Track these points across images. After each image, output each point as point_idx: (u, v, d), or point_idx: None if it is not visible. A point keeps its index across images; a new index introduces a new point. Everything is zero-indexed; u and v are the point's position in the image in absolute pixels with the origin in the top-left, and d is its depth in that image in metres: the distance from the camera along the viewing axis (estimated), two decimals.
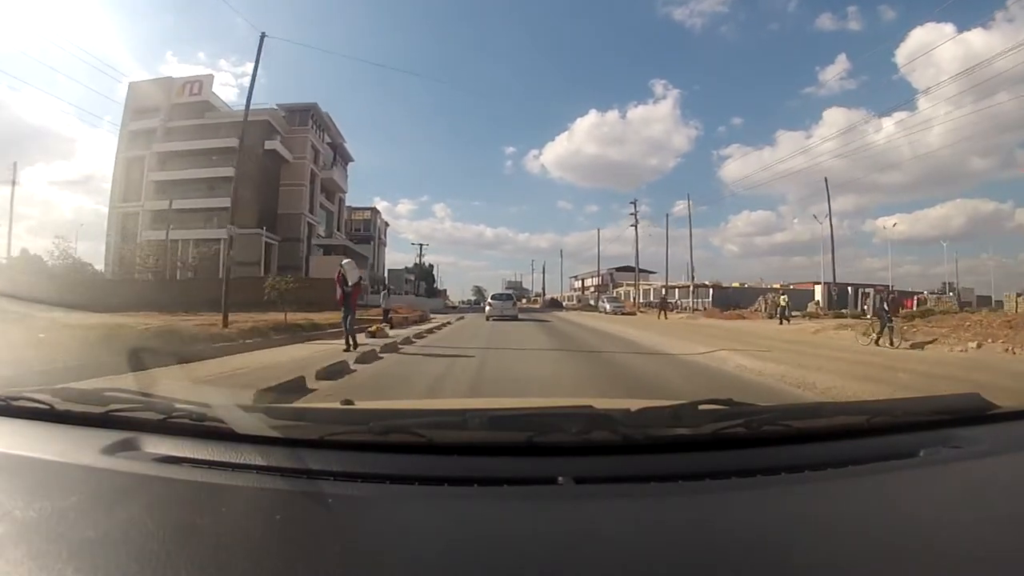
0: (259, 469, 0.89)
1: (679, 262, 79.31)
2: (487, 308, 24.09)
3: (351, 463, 0.89)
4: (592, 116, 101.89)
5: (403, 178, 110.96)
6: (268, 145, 35.16)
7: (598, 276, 56.99)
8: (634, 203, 46.47)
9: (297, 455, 0.92)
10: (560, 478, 0.86)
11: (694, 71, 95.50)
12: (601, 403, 1.15)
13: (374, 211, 57.71)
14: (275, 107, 37.93)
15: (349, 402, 1.34)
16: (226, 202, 33.60)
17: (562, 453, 0.96)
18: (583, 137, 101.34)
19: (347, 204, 51.47)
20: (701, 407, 1.06)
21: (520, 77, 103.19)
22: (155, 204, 35.97)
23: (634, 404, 1.10)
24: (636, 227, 44.70)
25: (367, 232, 57.01)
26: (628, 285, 52.67)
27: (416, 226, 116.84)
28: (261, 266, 33.02)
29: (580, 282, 72.81)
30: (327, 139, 42.91)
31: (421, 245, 63.19)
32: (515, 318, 21.69)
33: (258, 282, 27.42)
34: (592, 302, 51.82)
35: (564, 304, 57.51)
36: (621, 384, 6.31)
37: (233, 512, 0.79)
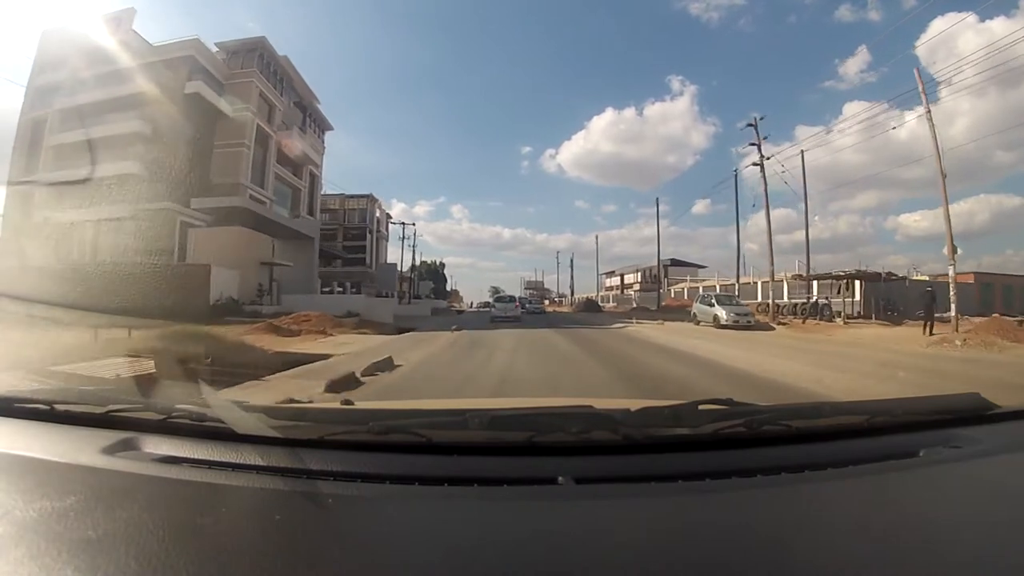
0: (259, 469, 0.89)
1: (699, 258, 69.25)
2: (492, 310, 25.19)
3: (351, 463, 0.89)
4: (609, 114, 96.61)
5: (419, 180, 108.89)
6: (191, 88, 25.42)
7: (658, 267, 38.74)
8: (755, 123, 23.57)
9: (297, 455, 0.91)
10: (560, 478, 0.85)
11: (711, 66, 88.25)
12: (601, 403, 1.14)
13: (370, 199, 48.06)
14: (213, 49, 28.34)
15: (349, 402, 1.35)
16: (134, 168, 24.20)
17: (562, 453, 0.95)
18: (600, 135, 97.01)
19: (345, 193, 42.04)
20: (701, 407, 1.05)
21: (535, 75, 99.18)
22: (51, 175, 26.35)
23: (634, 404, 1.09)
24: (762, 163, 23.02)
25: (362, 223, 46.97)
26: (691, 282, 40.45)
27: (433, 227, 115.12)
28: (175, 253, 23.13)
29: (619, 279, 60.18)
30: (295, 98, 33.13)
31: (404, 224, 45.23)
32: (518, 319, 22.10)
33: (164, 275, 16.84)
34: (620, 301, 40.30)
35: (603, 306, 45.63)
36: None
37: (233, 512, 0.79)
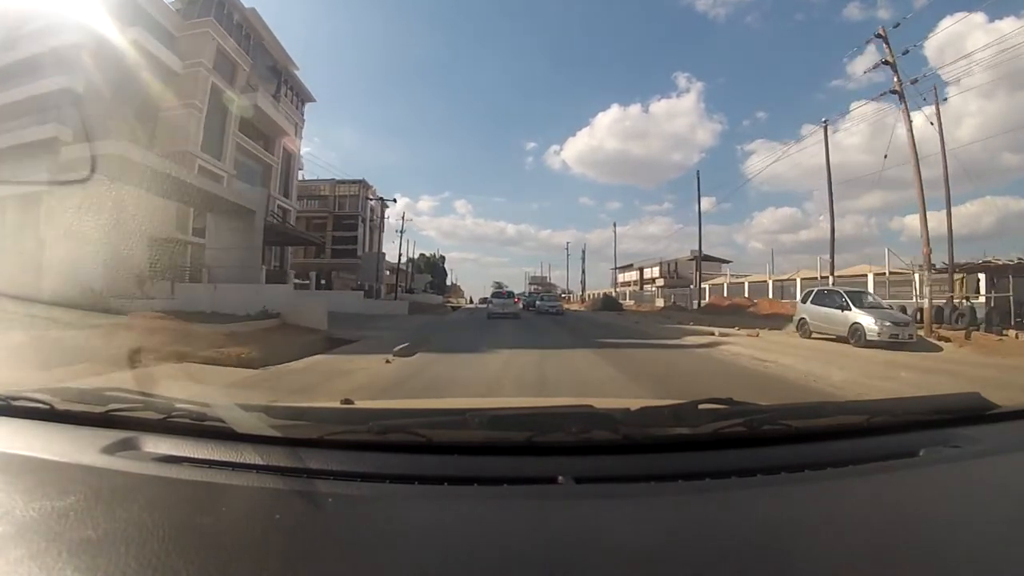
0: (259, 469, 0.88)
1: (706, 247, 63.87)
2: (489, 306, 23.83)
3: (351, 463, 0.89)
4: (614, 111, 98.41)
5: (424, 175, 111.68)
6: (130, 37, 20.68)
7: (699, 257, 30.93)
8: (883, 34, 15.11)
9: (297, 455, 0.91)
10: (560, 477, 0.85)
11: (718, 63, 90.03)
12: (601, 403, 1.13)
13: (363, 185, 43.33)
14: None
15: (349, 401, 1.32)
16: (56, 132, 19.56)
17: (562, 452, 0.95)
18: (605, 132, 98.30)
19: (335, 178, 37.74)
20: (701, 406, 1.04)
21: (540, 71, 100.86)
22: None
23: (634, 403, 1.08)
24: (901, 91, 14.95)
25: (354, 211, 42.15)
26: (732, 277, 34.95)
27: (438, 222, 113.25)
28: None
29: (636, 273, 54.40)
30: (268, 61, 28.42)
31: (382, 199, 40.80)
32: (516, 316, 21.49)
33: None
34: (639, 298, 34.76)
35: (622, 303, 40.55)
36: None
37: (233, 512, 0.78)
